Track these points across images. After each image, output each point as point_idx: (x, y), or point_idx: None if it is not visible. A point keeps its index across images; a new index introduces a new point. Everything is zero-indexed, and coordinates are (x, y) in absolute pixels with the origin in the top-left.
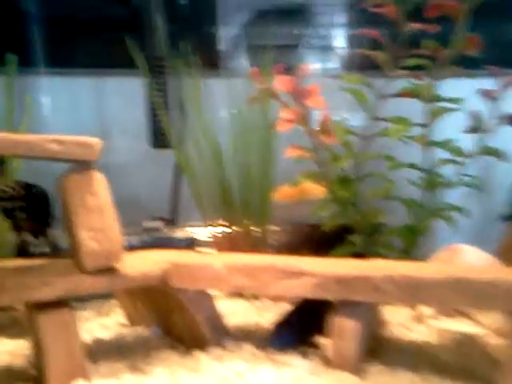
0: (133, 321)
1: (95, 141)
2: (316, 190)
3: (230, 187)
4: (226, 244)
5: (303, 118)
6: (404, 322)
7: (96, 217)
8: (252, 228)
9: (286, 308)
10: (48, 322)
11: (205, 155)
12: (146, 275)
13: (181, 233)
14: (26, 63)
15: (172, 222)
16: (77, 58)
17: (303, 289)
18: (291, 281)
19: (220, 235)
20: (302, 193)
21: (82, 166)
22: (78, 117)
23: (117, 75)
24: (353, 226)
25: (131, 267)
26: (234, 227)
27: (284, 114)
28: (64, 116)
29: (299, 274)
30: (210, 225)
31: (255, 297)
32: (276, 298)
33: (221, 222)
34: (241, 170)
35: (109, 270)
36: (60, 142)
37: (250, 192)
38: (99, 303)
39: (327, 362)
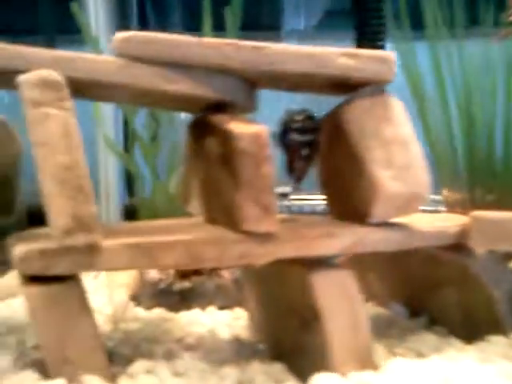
0: None
1: (391, 55)
2: None
3: (479, 147)
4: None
5: None
6: None
7: (397, 150)
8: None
9: None
10: (327, 284)
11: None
12: (442, 232)
13: None
14: None
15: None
16: None
17: None
18: None
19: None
20: None
21: (376, 87)
22: None
23: None
24: None
25: (420, 222)
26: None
27: None
28: None
29: None
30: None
31: None
32: None
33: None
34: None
35: (396, 224)
36: (352, 56)
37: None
38: None
39: None
